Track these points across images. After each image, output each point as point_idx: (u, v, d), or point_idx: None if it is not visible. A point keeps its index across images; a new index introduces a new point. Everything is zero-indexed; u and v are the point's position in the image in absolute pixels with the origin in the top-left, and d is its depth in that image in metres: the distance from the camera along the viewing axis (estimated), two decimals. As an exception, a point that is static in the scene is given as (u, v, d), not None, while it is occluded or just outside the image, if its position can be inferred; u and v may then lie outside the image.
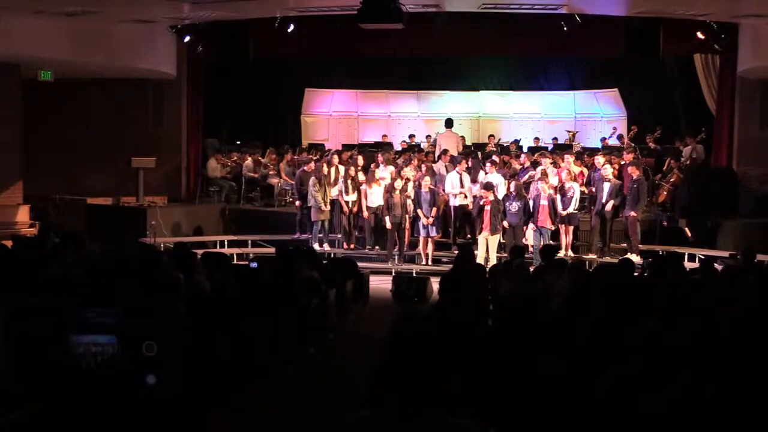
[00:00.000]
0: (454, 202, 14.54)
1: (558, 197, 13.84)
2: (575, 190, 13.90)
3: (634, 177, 13.89)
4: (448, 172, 15.07)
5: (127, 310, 4.44)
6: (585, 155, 16.58)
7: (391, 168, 15.34)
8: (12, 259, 9.33)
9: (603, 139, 18.67)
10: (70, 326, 4.11)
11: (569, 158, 15.07)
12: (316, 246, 14.22)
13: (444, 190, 14.73)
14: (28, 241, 12.85)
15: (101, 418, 4.29)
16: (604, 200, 13.90)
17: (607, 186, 13.92)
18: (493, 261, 12.90)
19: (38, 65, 15.53)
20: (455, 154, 16.55)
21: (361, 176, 15.06)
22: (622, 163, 14.91)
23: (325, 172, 14.95)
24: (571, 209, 13.83)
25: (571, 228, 14.07)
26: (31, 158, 16.48)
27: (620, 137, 18.46)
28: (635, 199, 13.79)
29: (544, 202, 13.68)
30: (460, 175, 14.59)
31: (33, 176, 16.49)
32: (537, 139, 19.83)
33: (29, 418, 4.49)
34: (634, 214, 13.76)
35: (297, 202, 15.52)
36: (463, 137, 19.12)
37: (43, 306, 4.99)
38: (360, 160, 15.69)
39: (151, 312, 4.84)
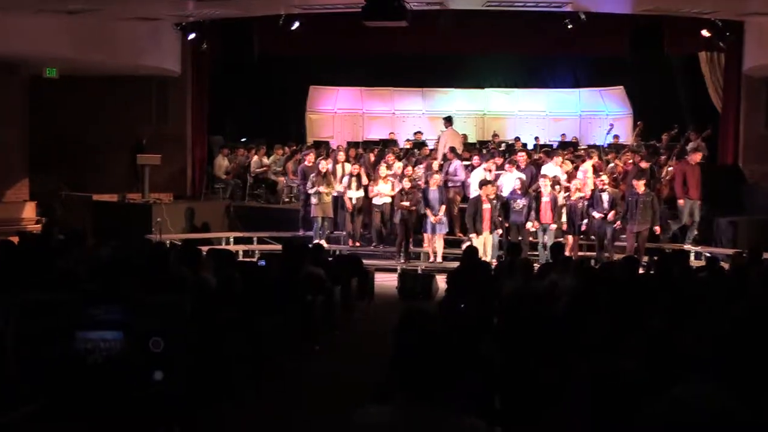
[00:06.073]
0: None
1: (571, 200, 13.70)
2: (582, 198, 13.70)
3: (640, 191, 13.18)
4: (457, 168, 15.10)
5: (133, 306, 4.45)
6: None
7: (399, 165, 15.34)
8: (18, 256, 9.36)
9: (594, 149, 16.96)
10: (77, 322, 4.12)
11: (587, 165, 14.81)
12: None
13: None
14: (33, 237, 12.89)
15: (108, 413, 4.30)
16: (605, 213, 13.39)
17: (605, 196, 13.49)
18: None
19: (43, 63, 15.54)
20: (459, 152, 16.53)
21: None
22: (632, 163, 14.81)
23: (324, 169, 14.85)
24: (584, 222, 13.64)
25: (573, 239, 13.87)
26: (37, 155, 16.50)
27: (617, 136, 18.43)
28: (648, 215, 13.15)
29: (546, 199, 13.63)
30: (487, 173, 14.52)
31: (39, 173, 16.52)
32: (564, 135, 19.71)
33: (37, 413, 4.51)
34: (646, 231, 13.24)
35: (312, 200, 15.53)
36: (465, 135, 19.13)
37: (50, 302, 5.00)
38: (371, 158, 15.72)
39: (157, 309, 4.84)
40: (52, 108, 17.51)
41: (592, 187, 13.96)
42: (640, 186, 13.20)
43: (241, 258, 13.83)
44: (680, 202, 14.06)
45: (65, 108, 17.80)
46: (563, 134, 19.77)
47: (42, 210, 15.79)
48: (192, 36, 17.01)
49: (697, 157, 14.16)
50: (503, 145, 18.60)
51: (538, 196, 13.80)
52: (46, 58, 15.11)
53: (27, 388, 4.46)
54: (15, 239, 11.59)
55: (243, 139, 19.42)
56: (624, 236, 13.76)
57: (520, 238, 13.53)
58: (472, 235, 13.42)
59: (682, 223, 14.11)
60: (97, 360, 4.12)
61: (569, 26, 15.58)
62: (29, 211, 15.41)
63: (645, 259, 12.67)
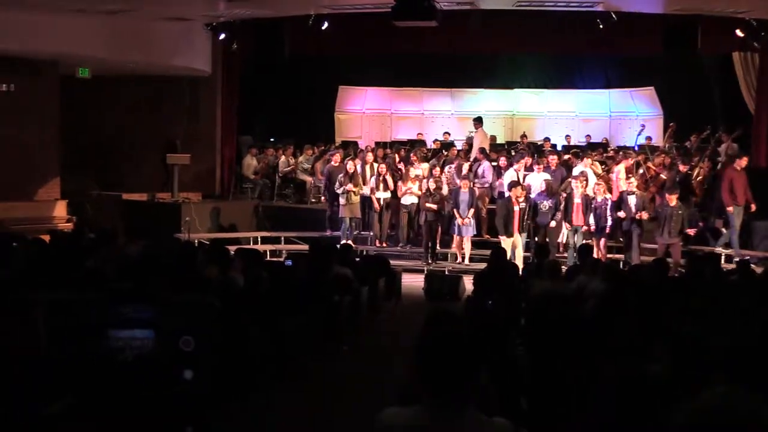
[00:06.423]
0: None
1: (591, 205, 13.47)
2: (609, 202, 13.42)
3: (672, 204, 12.86)
4: (485, 169, 15.08)
5: (164, 305, 4.47)
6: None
7: (425, 165, 15.32)
8: (49, 254, 9.47)
9: (625, 153, 16.39)
10: (108, 320, 4.15)
11: (621, 167, 14.57)
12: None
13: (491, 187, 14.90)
14: (65, 236, 13.04)
15: (135, 411, 4.33)
16: (632, 215, 13.10)
17: (632, 199, 13.21)
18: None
19: (76, 63, 15.72)
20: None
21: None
22: (662, 166, 14.63)
23: (351, 169, 14.90)
24: (609, 224, 13.31)
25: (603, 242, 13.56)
26: (69, 154, 16.70)
27: (648, 138, 18.20)
28: (678, 229, 12.79)
29: (577, 200, 13.47)
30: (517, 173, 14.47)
31: (70, 172, 16.72)
32: (589, 136, 19.56)
33: (67, 410, 4.56)
34: (679, 242, 12.90)
35: (322, 198, 15.63)
36: (494, 136, 19.08)
37: (81, 301, 5.04)
38: (397, 158, 15.76)
39: (188, 308, 4.87)
40: (84, 108, 17.71)
41: (621, 188, 13.80)
42: (672, 199, 12.93)
43: (268, 258, 13.88)
44: (729, 209, 13.55)
45: (96, 108, 18.01)
46: (588, 135, 19.62)
47: (73, 209, 15.98)
48: (223, 36, 17.11)
49: (742, 162, 13.82)
50: (530, 146, 18.48)
51: (569, 197, 13.62)
52: (79, 58, 15.28)
53: (57, 385, 4.51)
54: (47, 238, 11.74)
55: (272, 139, 19.51)
56: (648, 241, 13.52)
57: (547, 239, 13.44)
58: (503, 237, 13.30)
59: (737, 230, 13.54)
60: (128, 358, 4.15)
61: (601, 26, 15.44)
62: (60, 209, 15.60)
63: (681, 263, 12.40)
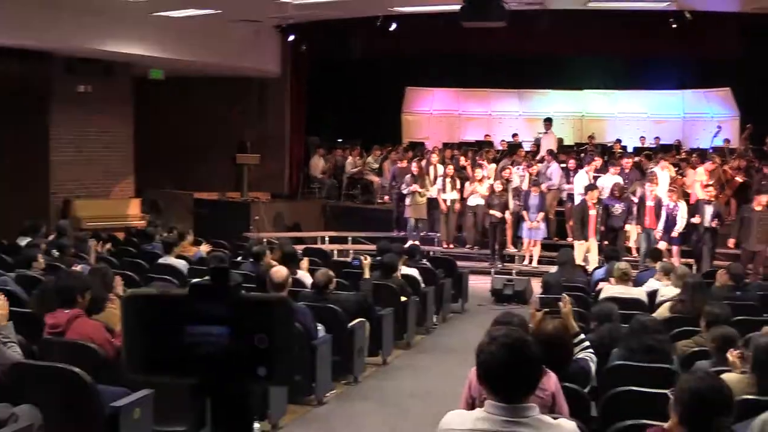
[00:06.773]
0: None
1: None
2: (681, 207, 12.89)
3: (758, 208, 12.06)
4: (553, 171, 14.98)
5: (239, 302, 4.54)
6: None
7: (492, 166, 15.23)
8: (124, 250, 9.73)
9: (707, 155, 16.14)
10: (185, 316, 4.23)
11: (701, 170, 14.19)
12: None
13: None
14: (138, 233, 13.38)
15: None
16: (708, 224, 12.49)
17: (709, 209, 12.61)
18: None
19: (149, 64, 16.08)
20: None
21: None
22: (737, 169, 14.26)
23: (417, 170, 14.90)
24: (678, 228, 12.76)
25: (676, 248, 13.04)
26: (142, 154, 17.09)
27: (726, 141, 17.71)
28: (766, 233, 12.00)
29: (650, 203, 13.15)
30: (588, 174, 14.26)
31: (143, 171, 17.11)
32: (658, 138, 19.19)
33: (146, 402, 4.69)
34: (765, 250, 12.10)
35: (385, 197, 15.70)
36: (561, 138, 18.85)
37: (159, 296, 5.15)
38: (462, 160, 15.70)
39: (262, 305, 4.93)
40: (156, 108, 18.10)
41: (699, 196, 13.38)
42: (762, 202, 12.13)
43: (335, 257, 13.99)
44: None
45: (168, 108, 18.39)
46: (657, 137, 19.19)
47: (146, 207, 16.35)
48: (292, 37, 17.30)
49: None
50: (598, 147, 18.20)
51: (641, 200, 13.31)
52: (152, 59, 15.62)
53: (134, 378, 4.62)
54: (121, 235, 12.04)
55: (339, 140, 19.65)
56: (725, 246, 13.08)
57: (618, 242, 13.20)
58: (577, 242, 13.05)
59: None
60: (203, 353, 4.22)
61: (674, 26, 15.11)
62: (134, 207, 15.96)
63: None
